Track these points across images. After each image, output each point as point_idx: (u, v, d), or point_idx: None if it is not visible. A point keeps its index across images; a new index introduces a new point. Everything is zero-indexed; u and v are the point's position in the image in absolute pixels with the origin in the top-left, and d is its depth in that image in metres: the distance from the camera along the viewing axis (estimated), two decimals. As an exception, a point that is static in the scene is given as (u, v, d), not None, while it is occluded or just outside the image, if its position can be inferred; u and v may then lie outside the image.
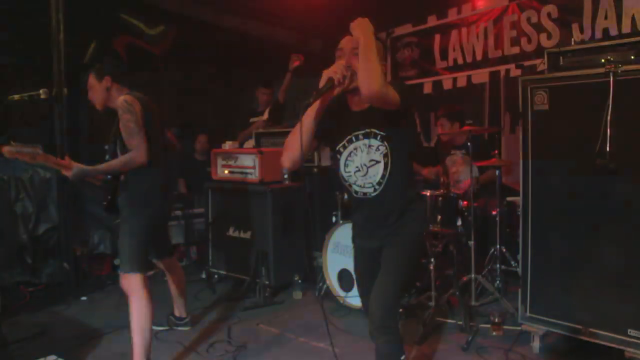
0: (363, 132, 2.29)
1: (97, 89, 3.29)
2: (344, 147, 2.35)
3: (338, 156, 2.38)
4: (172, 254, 3.82)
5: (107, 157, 3.29)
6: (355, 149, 2.32)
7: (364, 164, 2.31)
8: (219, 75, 7.98)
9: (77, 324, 4.10)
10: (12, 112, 5.31)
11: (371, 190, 2.33)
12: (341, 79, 2.12)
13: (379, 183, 2.31)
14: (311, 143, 2.31)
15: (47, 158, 3.06)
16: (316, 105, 2.18)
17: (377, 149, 2.28)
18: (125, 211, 3.21)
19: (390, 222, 2.35)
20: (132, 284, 3.11)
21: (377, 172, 2.29)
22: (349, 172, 2.36)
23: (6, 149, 2.95)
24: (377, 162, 2.29)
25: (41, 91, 3.49)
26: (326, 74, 2.12)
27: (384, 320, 2.28)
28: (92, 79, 3.29)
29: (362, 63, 2.05)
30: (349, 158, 2.35)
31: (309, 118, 2.21)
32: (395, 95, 2.10)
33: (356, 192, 2.39)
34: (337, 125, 2.36)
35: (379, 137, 2.27)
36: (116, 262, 5.36)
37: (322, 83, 2.11)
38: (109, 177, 3.27)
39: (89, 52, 6.12)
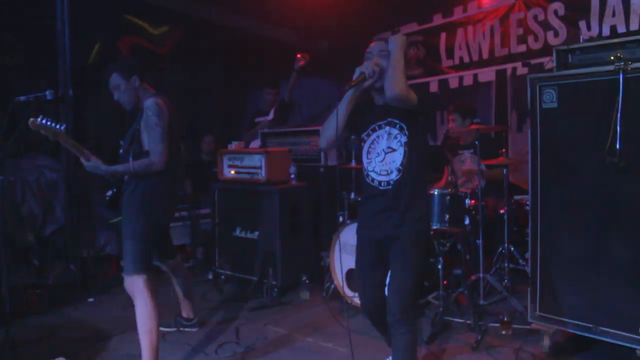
0: (385, 121, 2.61)
1: (125, 89, 3.22)
2: (368, 135, 2.67)
3: (362, 144, 2.69)
4: (174, 256, 3.78)
5: (120, 150, 3.27)
6: (378, 136, 2.63)
7: (382, 149, 2.61)
8: (224, 75, 7.98)
9: (85, 325, 4.10)
10: (18, 113, 5.32)
11: (387, 178, 2.59)
12: (371, 74, 2.48)
13: (397, 170, 2.57)
14: (344, 131, 2.63)
15: (67, 139, 3.06)
16: (349, 95, 2.53)
17: (396, 137, 2.58)
18: (130, 212, 3.18)
19: (399, 211, 2.55)
20: (136, 285, 3.09)
21: (394, 159, 2.57)
22: (370, 158, 2.65)
23: (32, 120, 2.93)
24: (394, 150, 2.59)
25: (47, 92, 3.51)
26: (358, 70, 2.49)
27: (403, 314, 2.45)
28: (117, 78, 3.22)
29: (391, 71, 2.42)
30: (371, 145, 2.65)
31: (343, 105, 2.53)
32: (415, 98, 2.46)
33: (372, 180, 2.64)
34: (363, 117, 2.68)
35: (397, 127, 2.58)
36: (122, 263, 5.37)
37: (354, 76, 2.48)
38: (126, 177, 3.25)
39: (93, 53, 6.14)
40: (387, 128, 2.60)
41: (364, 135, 2.68)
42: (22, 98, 3.46)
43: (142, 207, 3.17)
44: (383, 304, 2.60)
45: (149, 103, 3.13)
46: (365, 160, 2.68)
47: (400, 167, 2.56)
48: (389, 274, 2.65)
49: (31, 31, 6.19)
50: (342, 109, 2.53)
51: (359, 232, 2.78)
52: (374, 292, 2.70)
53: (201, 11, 6.97)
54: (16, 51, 6.32)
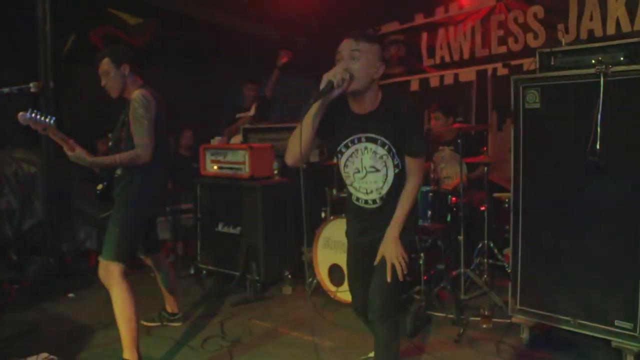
0: (367, 136, 2.38)
1: (114, 76, 3.20)
2: (346, 147, 2.44)
3: (339, 156, 2.48)
4: (159, 250, 3.79)
5: (110, 143, 3.28)
6: (357, 150, 2.42)
7: (364, 166, 2.42)
8: (202, 70, 7.92)
9: (66, 321, 4.05)
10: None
11: (372, 200, 2.46)
12: (340, 82, 2.19)
13: (381, 197, 2.45)
14: (312, 141, 2.35)
15: (56, 133, 3.01)
16: (316, 106, 2.25)
17: (381, 157, 2.38)
18: (124, 201, 3.18)
19: (385, 225, 2.43)
20: (113, 273, 3.07)
21: (378, 180, 2.42)
22: (348, 172, 2.48)
23: (21, 115, 2.89)
24: (378, 170, 2.40)
25: (31, 84, 3.45)
26: (326, 77, 2.19)
27: (384, 309, 2.41)
28: (107, 65, 3.19)
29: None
30: (349, 159, 2.45)
31: (308, 119, 2.26)
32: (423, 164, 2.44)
33: (352, 196, 2.53)
34: (338, 126, 2.44)
35: (386, 147, 2.37)
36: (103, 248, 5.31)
37: (322, 85, 2.19)
38: (118, 171, 3.25)
39: (67, 44, 6.03)
40: (370, 145, 2.38)
41: (340, 147, 2.46)
42: (5, 90, 3.39)
43: (138, 199, 3.18)
44: None
45: (136, 95, 3.12)
46: (342, 172, 2.52)
47: (388, 192, 2.43)
48: None
49: (6, 21, 6.07)
50: (308, 122, 2.27)
51: (349, 237, 2.70)
52: (365, 292, 2.58)
53: (178, 5, 6.92)
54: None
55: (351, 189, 2.51)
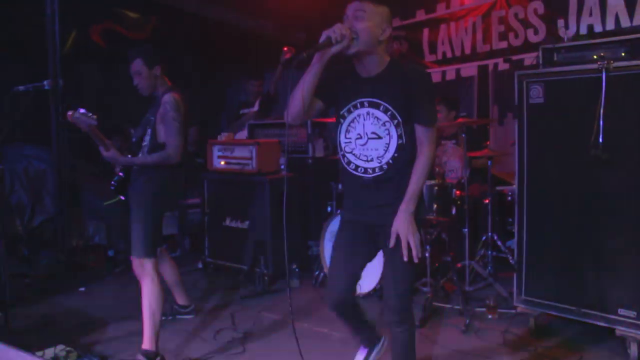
0: (370, 100, 2.28)
1: (146, 76, 3.31)
2: (349, 111, 2.34)
3: (341, 120, 2.37)
4: (162, 244, 3.85)
5: (133, 139, 3.40)
6: (359, 115, 2.31)
7: (366, 133, 2.30)
8: (204, 66, 7.97)
9: (78, 314, 4.13)
10: (14, 102, 5.27)
11: (369, 165, 2.31)
12: (339, 38, 2.10)
13: (381, 167, 2.29)
14: (314, 103, 2.31)
15: (96, 132, 3.17)
16: (317, 63, 2.18)
17: (384, 124, 2.26)
18: (144, 198, 3.27)
19: (391, 204, 2.28)
20: (145, 268, 3.21)
21: (379, 148, 2.28)
22: (349, 138, 2.35)
23: (71, 113, 3.04)
24: (379, 137, 2.28)
25: (45, 82, 3.52)
26: (325, 33, 2.12)
27: (402, 310, 2.38)
28: (140, 65, 3.29)
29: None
30: (351, 124, 2.34)
31: (309, 74, 2.20)
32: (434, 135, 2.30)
33: (349, 164, 2.36)
34: (343, 90, 2.35)
35: (389, 113, 2.25)
36: (110, 253, 5.39)
37: (320, 40, 2.13)
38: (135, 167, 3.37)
39: (69, 42, 6.07)
40: (372, 110, 2.27)
41: (343, 112, 2.36)
42: (21, 88, 3.46)
43: (157, 195, 3.28)
44: (352, 299, 2.52)
45: (168, 98, 3.25)
46: (343, 139, 2.37)
47: (390, 162, 2.28)
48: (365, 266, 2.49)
49: (7, 18, 6.10)
50: (308, 78, 2.19)
51: (343, 215, 2.54)
52: (347, 283, 2.46)
53: (180, 1, 6.95)
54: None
55: (351, 157, 2.35)
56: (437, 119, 2.31)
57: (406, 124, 2.25)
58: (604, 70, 3.02)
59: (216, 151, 5.16)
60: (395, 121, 2.25)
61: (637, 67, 2.95)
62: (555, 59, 3.36)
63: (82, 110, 3.05)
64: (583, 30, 4.82)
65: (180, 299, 3.98)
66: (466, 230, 4.21)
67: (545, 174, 3.38)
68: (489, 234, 4.50)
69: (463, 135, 4.25)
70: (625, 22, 4.60)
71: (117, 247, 5.36)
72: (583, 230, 3.22)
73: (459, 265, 4.28)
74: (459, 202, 4.27)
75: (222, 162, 5.09)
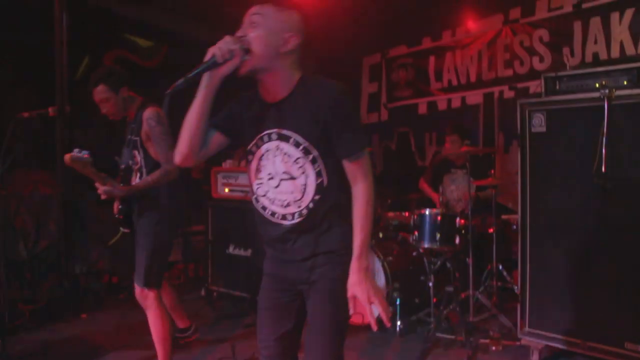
0: (277, 132, 1.83)
1: (115, 102, 3.15)
2: (256, 146, 1.89)
3: (249, 158, 1.92)
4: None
5: (122, 166, 3.24)
6: (268, 151, 1.86)
7: (277, 172, 1.85)
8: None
9: (79, 342, 4.09)
10: (19, 128, 5.34)
11: (290, 215, 1.86)
12: (226, 55, 1.70)
13: (301, 213, 1.84)
14: (213, 138, 1.88)
15: (90, 171, 2.98)
16: (204, 88, 1.79)
17: (296, 161, 1.81)
18: (147, 227, 3.17)
19: (312, 256, 1.87)
20: (147, 298, 3.17)
21: (294, 191, 1.83)
22: (261, 179, 1.90)
23: (67, 157, 2.86)
24: (294, 178, 1.83)
25: (50, 109, 3.56)
26: (211, 50, 1.72)
27: None
28: (106, 92, 3.12)
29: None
30: (261, 162, 1.89)
31: (195, 103, 1.81)
32: (368, 164, 1.84)
33: (265, 209, 1.91)
34: (249, 119, 1.90)
35: (301, 148, 1.80)
36: (114, 279, 5.38)
37: (205, 60, 1.73)
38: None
39: (81, 68, 6.17)
40: (281, 143, 1.82)
41: (250, 147, 1.90)
42: (26, 114, 3.50)
43: (164, 222, 3.20)
44: None
45: (150, 113, 3.10)
46: (255, 180, 1.92)
47: (311, 206, 1.83)
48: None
49: (21, 45, 6.23)
50: (194, 107, 1.80)
51: (265, 269, 2.04)
52: (281, 349, 1.97)
53: (190, 28, 7.06)
54: (7, 65, 6.34)
55: (265, 201, 1.89)
56: (366, 143, 1.86)
57: (325, 157, 1.80)
58: (606, 98, 2.99)
59: (220, 178, 5.17)
60: (310, 157, 1.79)
61: (638, 96, 2.92)
62: (557, 87, 3.34)
63: (75, 151, 2.87)
64: (588, 58, 4.81)
65: (180, 322, 3.92)
66: (470, 260, 4.15)
67: (548, 203, 3.33)
68: (494, 263, 4.43)
69: (467, 164, 4.21)
70: (630, 50, 4.58)
71: (121, 274, 5.34)
72: (588, 261, 3.15)
73: (463, 295, 4.20)
74: (463, 232, 4.22)
75: (226, 190, 5.10)
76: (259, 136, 1.87)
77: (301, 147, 1.79)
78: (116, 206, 3.29)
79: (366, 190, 1.81)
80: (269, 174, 1.87)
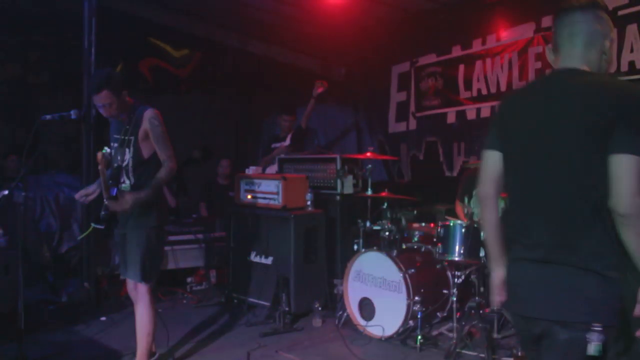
0: None
1: (117, 104, 3.24)
2: None
3: None
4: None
5: (115, 164, 3.30)
6: None
7: None
8: (241, 99, 8.10)
9: (95, 344, 4.11)
10: (43, 131, 5.44)
11: None
12: None
13: None
14: None
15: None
16: None
17: None
18: (138, 222, 3.25)
19: None
20: (140, 291, 3.26)
21: None
22: None
23: (100, 155, 3.08)
24: None
25: (72, 112, 3.59)
26: None
27: None
28: (110, 96, 3.18)
29: None
30: None
31: None
32: None
33: None
34: None
35: None
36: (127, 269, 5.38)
37: None
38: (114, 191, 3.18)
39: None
40: None
41: None
42: (48, 117, 3.53)
43: (154, 218, 3.29)
44: None
45: (151, 113, 3.26)
46: None
47: None
48: None
49: (57, 50, 6.37)
50: None
51: None
52: None
53: (222, 36, 7.13)
54: (41, 70, 6.50)
55: None
56: None
57: None
58: (641, 108, 2.83)
59: (244, 185, 5.13)
60: None
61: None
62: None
63: (107, 149, 3.15)
64: (624, 67, 4.61)
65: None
66: (495, 273, 3.99)
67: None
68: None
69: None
70: (668, 59, 4.38)
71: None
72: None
73: (487, 310, 4.05)
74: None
75: (249, 196, 5.06)
76: None
77: None
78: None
79: None
80: None
